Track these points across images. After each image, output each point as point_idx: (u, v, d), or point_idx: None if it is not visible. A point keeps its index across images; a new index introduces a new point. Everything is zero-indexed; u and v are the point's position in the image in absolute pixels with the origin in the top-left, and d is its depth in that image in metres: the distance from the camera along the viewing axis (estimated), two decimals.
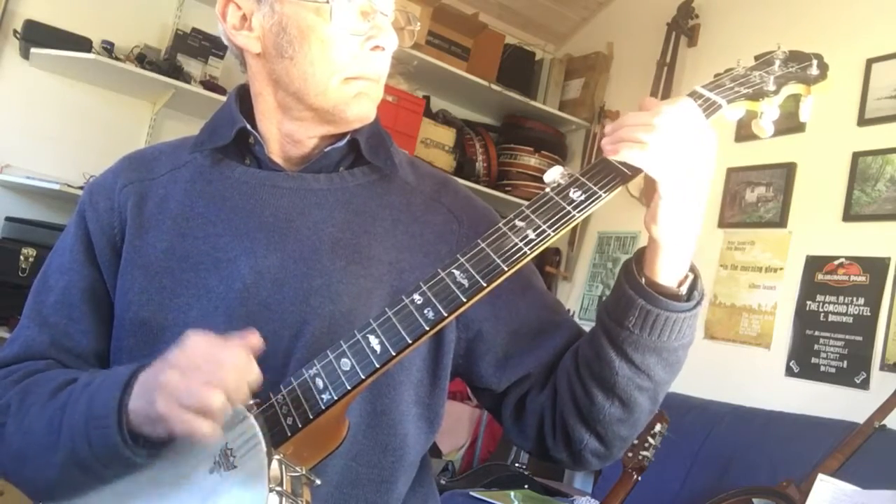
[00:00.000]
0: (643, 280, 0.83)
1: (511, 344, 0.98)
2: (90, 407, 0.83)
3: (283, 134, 1.00)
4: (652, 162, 0.78)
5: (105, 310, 1.00)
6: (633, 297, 0.82)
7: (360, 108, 0.97)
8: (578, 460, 0.95)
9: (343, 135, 1.01)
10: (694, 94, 0.86)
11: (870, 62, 2.58)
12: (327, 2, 0.92)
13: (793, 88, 0.91)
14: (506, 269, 0.79)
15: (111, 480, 0.85)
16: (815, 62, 0.92)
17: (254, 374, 0.78)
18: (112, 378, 0.84)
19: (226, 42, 1.01)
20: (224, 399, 0.75)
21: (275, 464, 0.76)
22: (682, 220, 0.80)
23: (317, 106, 0.96)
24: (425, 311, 0.80)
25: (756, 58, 0.94)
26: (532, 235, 0.80)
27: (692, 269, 0.85)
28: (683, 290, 0.83)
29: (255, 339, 0.81)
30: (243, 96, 1.04)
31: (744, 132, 2.86)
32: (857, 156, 2.54)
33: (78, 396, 0.85)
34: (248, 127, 1.00)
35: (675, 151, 0.78)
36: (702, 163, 0.79)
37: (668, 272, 0.83)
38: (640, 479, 2.14)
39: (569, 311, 3.42)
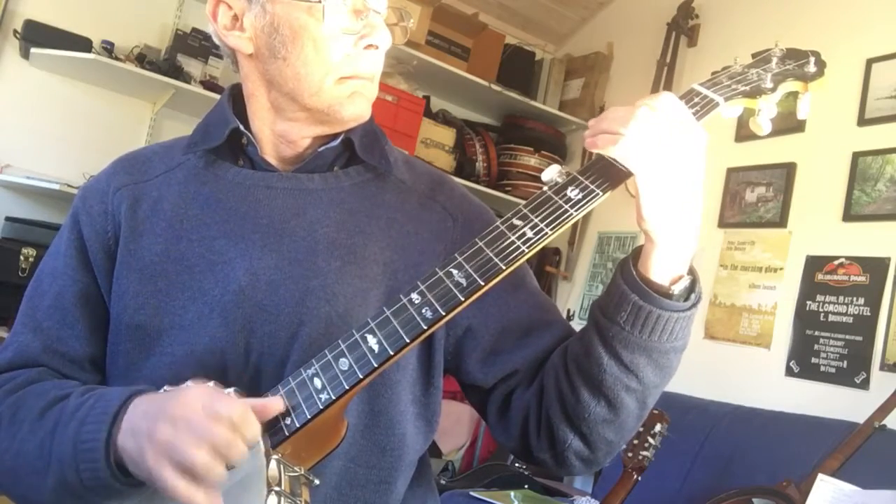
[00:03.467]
0: (638, 277, 0.82)
1: (499, 340, 0.97)
2: (79, 436, 0.82)
3: (277, 134, 0.99)
4: (626, 153, 0.77)
5: (99, 314, 0.99)
6: (627, 293, 0.81)
7: (356, 108, 0.96)
8: (562, 462, 0.93)
9: (337, 134, 1.00)
10: (691, 92, 0.85)
11: (870, 62, 2.58)
12: (319, 1, 0.91)
13: (790, 86, 0.90)
14: (504, 267, 0.79)
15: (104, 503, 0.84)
16: (812, 59, 0.91)
17: (252, 428, 0.76)
18: (101, 405, 0.83)
19: (217, 42, 1.00)
20: (210, 460, 0.73)
21: (273, 464, 0.76)
22: (669, 215, 0.78)
23: (311, 106, 0.95)
24: (423, 311, 0.80)
25: (753, 55, 0.93)
26: (530, 234, 0.79)
27: (691, 272, 0.83)
28: (676, 289, 0.82)
29: (275, 404, 0.80)
30: (236, 96, 1.04)
31: (744, 132, 2.86)
32: (857, 156, 2.54)
33: (67, 421, 0.84)
34: (241, 127, 1.00)
35: (651, 143, 0.76)
36: (686, 158, 0.77)
37: (660, 269, 0.81)
38: (639, 479, 2.14)
39: (569, 311, 3.44)
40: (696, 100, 0.84)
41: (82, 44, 2.84)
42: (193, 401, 0.76)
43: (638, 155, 0.77)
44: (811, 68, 0.91)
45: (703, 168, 0.79)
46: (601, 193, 0.80)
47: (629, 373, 0.84)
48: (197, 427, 0.74)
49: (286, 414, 0.82)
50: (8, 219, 2.84)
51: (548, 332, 0.97)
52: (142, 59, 2.92)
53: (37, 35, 2.83)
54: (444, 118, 3.63)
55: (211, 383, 0.82)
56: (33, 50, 2.82)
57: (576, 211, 0.80)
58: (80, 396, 0.87)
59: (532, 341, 0.96)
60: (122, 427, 0.80)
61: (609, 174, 0.81)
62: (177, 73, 2.96)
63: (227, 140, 0.99)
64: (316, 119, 0.97)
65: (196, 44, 3.08)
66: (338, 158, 1.02)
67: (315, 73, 0.93)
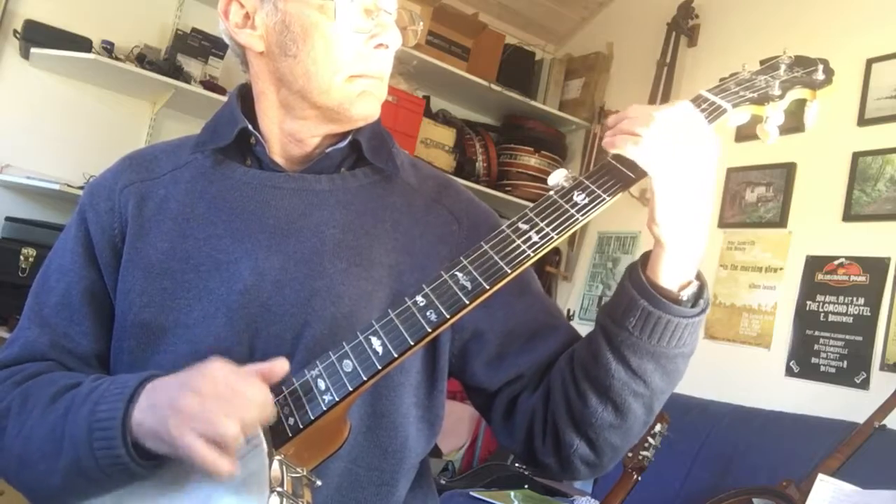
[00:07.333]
0: (647, 282, 0.82)
1: (505, 344, 0.97)
2: (94, 415, 0.82)
3: (286, 133, 1.00)
4: (644, 155, 0.78)
5: (105, 311, 1.00)
6: (636, 298, 0.81)
7: (365, 107, 0.97)
8: (567, 466, 0.93)
9: (345, 135, 1.01)
10: (699, 98, 0.86)
11: (870, 62, 2.58)
12: None
13: (798, 93, 0.90)
14: (509, 271, 0.79)
15: (114, 489, 0.84)
16: (820, 67, 0.91)
17: (272, 409, 0.78)
18: (117, 387, 0.84)
19: (227, 41, 1.01)
20: (239, 432, 0.75)
21: (276, 464, 0.76)
22: (681, 220, 0.79)
23: (321, 104, 0.96)
24: (427, 313, 0.80)
25: (761, 62, 0.93)
26: (535, 238, 0.80)
27: (699, 278, 0.84)
28: (684, 295, 0.82)
29: (281, 365, 0.81)
30: (245, 96, 1.04)
31: (744, 132, 2.85)
32: (857, 156, 2.54)
33: (81, 403, 0.85)
34: (250, 127, 1.00)
35: (669, 147, 0.77)
36: (700, 164, 0.78)
37: (669, 274, 0.82)
38: (640, 478, 2.14)
39: (569, 311, 3.44)
40: (704, 106, 0.85)
41: (82, 44, 2.84)
42: (218, 377, 0.78)
43: (657, 157, 0.77)
44: (819, 76, 0.91)
45: (714, 173, 0.80)
46: (608, 198, 0.80)
47: (637, 378, 0.84)
48: (225, 401, 0.75)
49: (289, 414, 0.82)
50: (8, 219, 2.84)
51: (553, 336, 0.97)
52: (142, 59, 2.92)
53: (37, 35, 2.83)
54: (444, 118, 3.63)
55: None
56: (33, 50, 2.82)
57: (582, 216, 0.80)
58: (92, 382, 0.88)
59: (538, 345, 0.96)
60: (139, 404, 0.81)
61: (615, 179, 0.81)
62: (177, 73, 2.96)
63: (235, 140, 1.00)
64: (325, 117, 0.98)
65: (196, 44, 3.08)
66: (345, 160, 1.02)
67: (325, 71, 0.94)
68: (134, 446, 0.80)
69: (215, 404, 0.75)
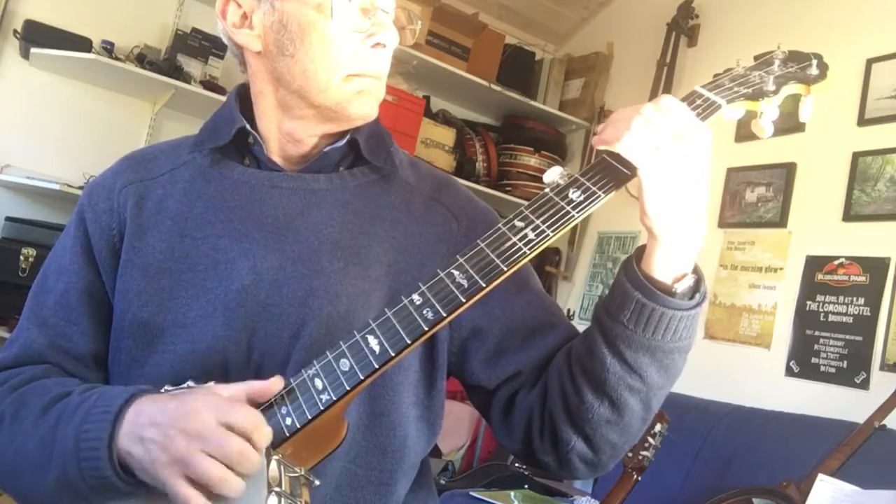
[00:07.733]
0: (641, 275, 0.82)
1: (504, 341, 0.97)
2: (80, 433, 0.82)
3: (284, 133, 1.00)
4: (630, 147, 0.77)
5: (104, 312, 1.00)
6: (630, 291, 0.81)
7: (363, 106, 0.97)
8: (565, 464, 0.93)
9: (343, 134, 1.01)
10: (693, 95, 0.85)
11: (870, 62, 2.58)
12: None
13: (792, 88, 0.90)
14: (505, 269, 0.79)
15: (104, 502, 0.84)
16: (814, 62, 0.91)
17: (265, 434, 0.77)
18: (102, 405, 0.83)
19: (225, 41, 1.01)
20: (225, 474, 0.74)
21: (273, 464, 0.76)
22: (671, 211, 0.78)
23: (318, 103, 0.96)
24: (424, 312, 0.80)
25: (755, 58, 0.93)
26: (531, 235, 0.79)
27: (696, 271, 0.83)
28: (678, 287, 0.81)
29: (276, 383, 0.81)
30: (243, 96, 1.04)
31: (744, 132, 2.86)
32: (857, 156, 2.54)
33: (70, 416, 0.84)
34: (248, 126, 1.00)
35: (654, 138, 0.77)
36: (688, 153, 0.77)
37: (663, 267, 0.81)
38: (640, 479, 2.14)
39: (569, 310, 3.45)
40: (698, 102, 0.84)
41: (82, 44, 2.85)
42: (205, 413, 0.76)
43: (641, 149, 0.77)
44: (813, 71, 0.90)
45: (708, 165, 0.79)
46: (603, 195, 0.80)
47: (633, 372, 0.84)
48: (211, 441, 0.74)
49: (287, 414, 0.82)
50: (8, 219, 2.84)
51: (552, 333, 0.97)
52: (142, 59, 2.93)
53: (37, 35, 2.84)
54: (444, 118, 3.63)
55: (211, 383, 0.82)
56: (33, 50, 2.82)
57: (577, 212, 0.80)
58: (81, 394, 0.87)
59: (536, 342, 0.96)
60: (125, 428, 0.80)
61: (611, 176, 0.81)
62: (177, 73, 2.96)
63: (233, 139, 1.00)
64: (324, 117, 0.98)
65: (196, 44, 3.08)
66: (343, 159, 1.02)
67: (323, 71, 0.94)
68: (122, 468, 0.80)
69: (201, 447, 0.74)
